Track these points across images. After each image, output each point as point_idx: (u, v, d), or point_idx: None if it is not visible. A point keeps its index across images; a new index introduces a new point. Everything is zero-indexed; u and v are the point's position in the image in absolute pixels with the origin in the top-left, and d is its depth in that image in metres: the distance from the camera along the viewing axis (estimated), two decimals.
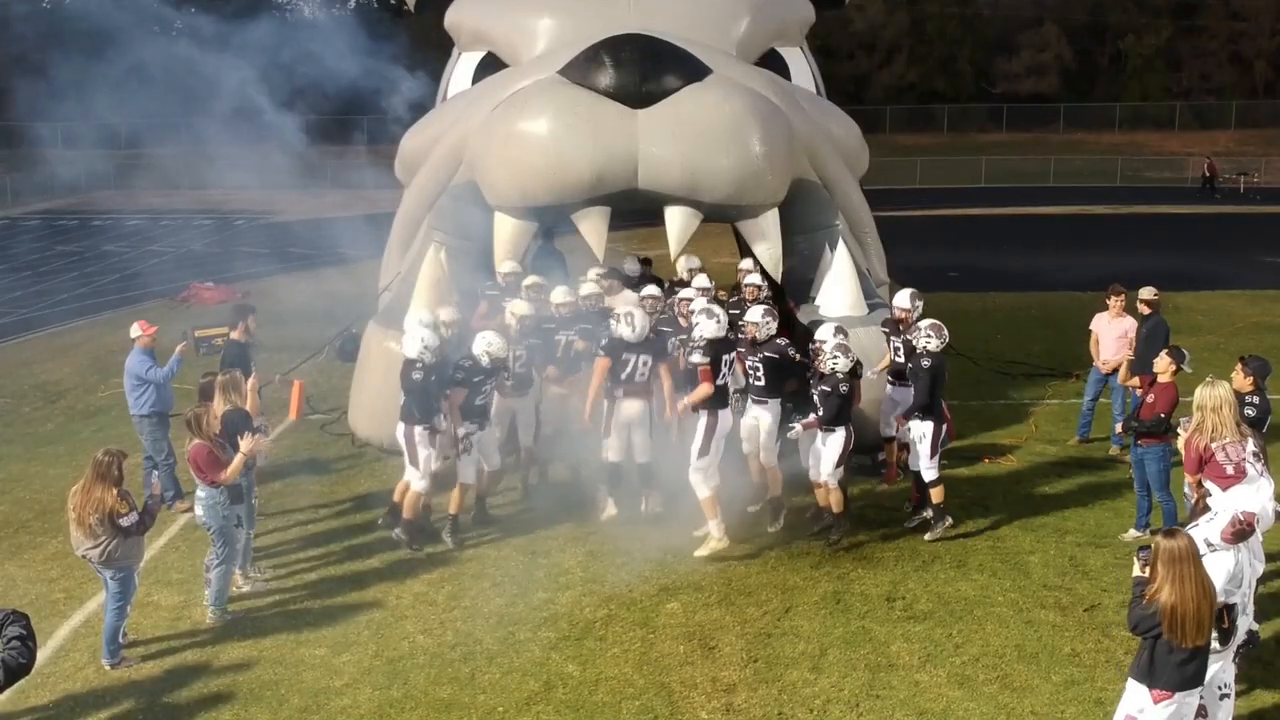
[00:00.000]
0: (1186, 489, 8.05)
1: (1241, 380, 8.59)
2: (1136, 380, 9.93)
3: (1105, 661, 7.44)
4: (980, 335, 17.29)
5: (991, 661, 7.47)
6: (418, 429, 9.26)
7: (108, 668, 7.55)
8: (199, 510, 8.29)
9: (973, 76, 67.52)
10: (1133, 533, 9.58)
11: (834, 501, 9.40)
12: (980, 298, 21.67)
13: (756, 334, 9.56)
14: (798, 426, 9.40)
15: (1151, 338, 11.42)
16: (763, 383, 9.59)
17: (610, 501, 9.87)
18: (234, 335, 10.90)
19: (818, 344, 9.61)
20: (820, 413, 9.22)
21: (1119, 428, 10.34)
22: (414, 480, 9.34)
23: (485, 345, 9.39)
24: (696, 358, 9.12)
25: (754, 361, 9.61)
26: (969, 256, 27.60)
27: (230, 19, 22.61)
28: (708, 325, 9.17)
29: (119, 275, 26.20)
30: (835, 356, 9.18)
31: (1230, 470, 7.26)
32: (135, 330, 10.60)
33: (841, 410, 9.22)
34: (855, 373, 9.47)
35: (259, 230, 34.26)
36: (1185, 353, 9.42)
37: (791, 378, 9.79)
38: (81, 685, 7.37)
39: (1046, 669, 7.36)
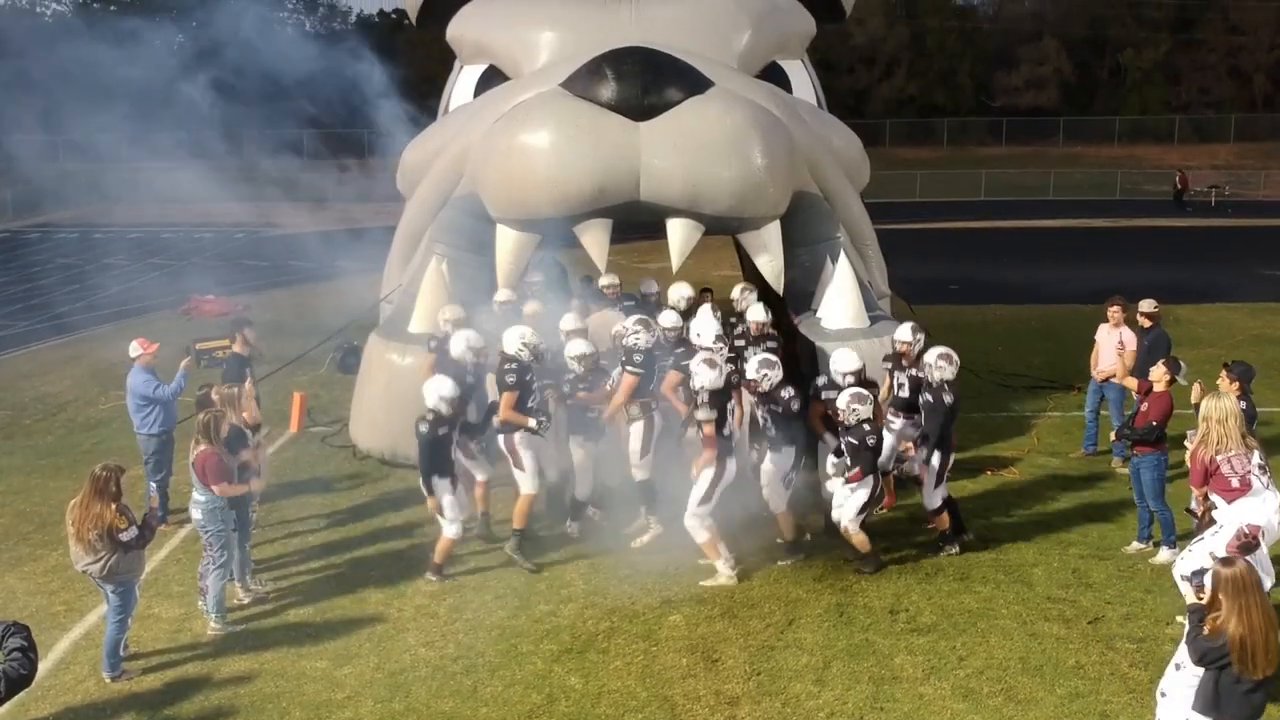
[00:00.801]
0: (1194, 504, 8.04)
1: (1227, 385, 8.68)
2: (1134, 382, 9.93)
3: (1110, 674, 7.40)
4: (981, 348, 17.26)
5: (995, 674, 7.43)
6: (435, 479, 8.88)
7: (108, 680, 7.52)
8: (198, 514, 8.27)
9: (972, 90, 67.67)
10: (1135, 545, 9.55)
11: (857, 543, 9.11)
12: (980, 310, 21.67)
13: (758, 388, 9.19)
14: (834, 482, 9.19)
15: (1153, 350, 11.42)
16: (773, 432, 9.22)
17: (652, 520, 9.61)
18: (235, 348, 10.89)
19: (835, 406, 9.16)
20: (849, 463, 8.99)
21: (1113, 435, 10.33)
22: (446, 528, 8.99)
23: (520, 339, 9.20)
24: (703, 415, 8.71)
25: (762, 413, 9.26)
26: (969, 269, 27.60)
27: (224, 35, 22.72)
28: (707, 375, 8.72)
29: (119, 288, 26.18)
30: (853, 409, 8.87)
31: (1235, 483, 7.28)
32: (135, 349, 10.35)
33: (870, 461, 8.94)
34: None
35: (259, 244, 34.31)
36: (1182, 364, 9.43)
37: (800, 424, 9.43)
38: (82, 698, 7.34)
39: (1051, 681, 7.32)
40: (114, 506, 7.29)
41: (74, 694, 7.40)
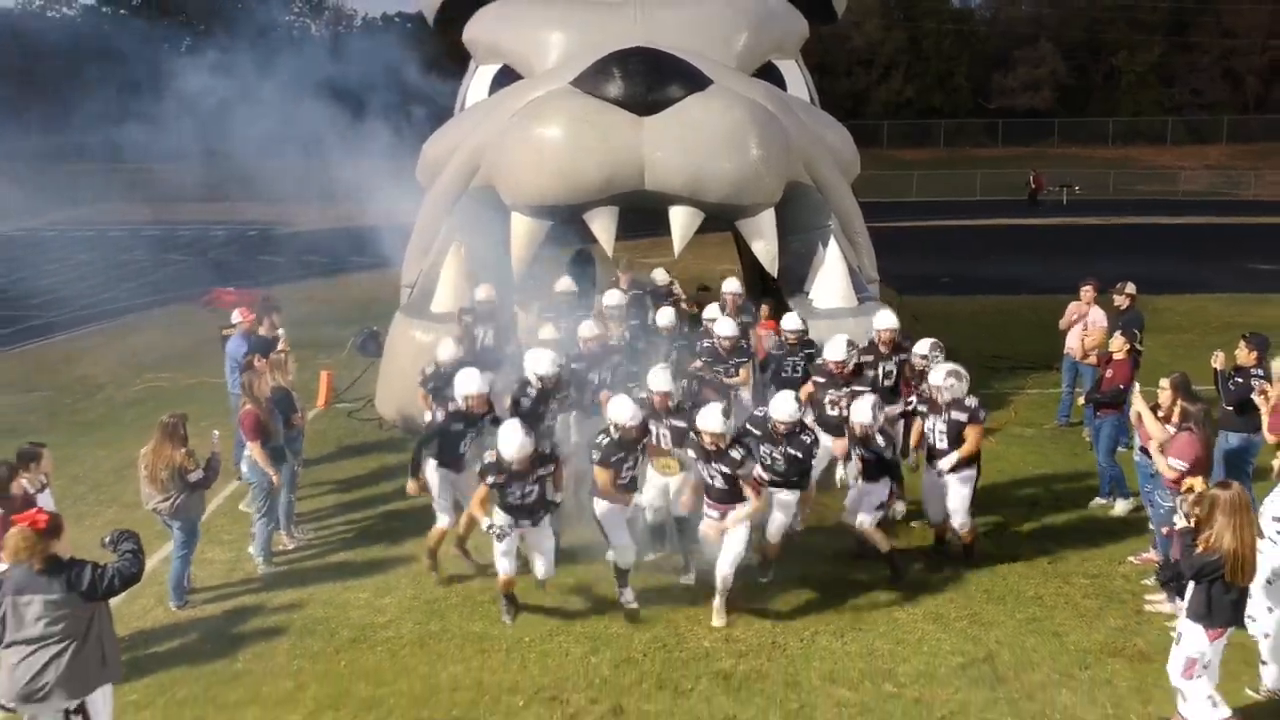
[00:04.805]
0: (1137, 456, 8.95)
1: (1246, 355, 9.44)
2: (1093, 359, 10.82)
3: (1064, 603, 8.35)
4: (969, 335, 18.19)
5: (963, 602, 8.37)
6: (432, 463, 8.76)
7: (174, 609, 8.46)
8: (244, 467, 9.26)
9: (969, 92, 68.56)
10: (1097, 500, 10.48)
11: (878, 541, 8.90)
12: (970, 301, 22.56)
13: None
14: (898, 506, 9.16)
15: (1127, 329, 12.27)
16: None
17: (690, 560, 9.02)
18: (261, 330, 11.75)
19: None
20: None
21: (1083, 399, 11.13)
22: (440, 518, 8.90)
23: (622, 415, 8.12)
24: (746, 470, 8.00)
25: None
26: (961, 264, 28.42)
27: (235, 38, 23.39)
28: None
29: (139, 282, 27.09)
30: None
31: None
32: (235, 317, 11.70)
33: (884, 468, 8.76)
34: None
35: (271, 240, 35.30)
36: (1137, 331, 10.34)
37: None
38: (152, 623, 8.30)
39: (1012, 608, 8.26)
40: (183, 450, 8.25)
41: (145, 620, 8.34)
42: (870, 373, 10.38)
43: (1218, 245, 32.62)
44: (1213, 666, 6.33)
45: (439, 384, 9.78)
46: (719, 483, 7.99)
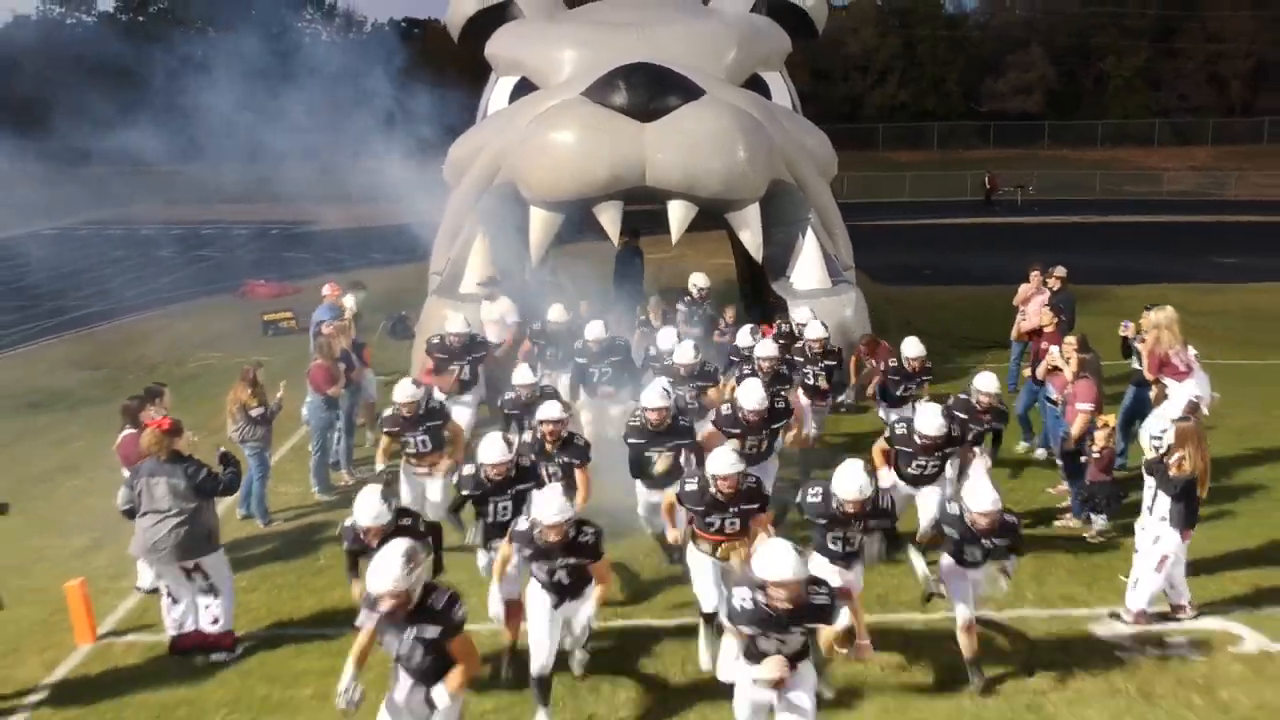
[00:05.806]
0: (1053, 393, 10.83)
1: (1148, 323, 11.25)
2: (1026, 336, 12.70)
3: None
4: (943, 318, 20.07)
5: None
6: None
7: (262, 526, 10.37)
8: (305, 411, 11.17)
9: (962, 96, 70.23)
10: (1023, 444, 12.38)
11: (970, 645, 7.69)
12: (950, 290, 24.29)
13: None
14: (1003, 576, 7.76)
15: (1055, 306, 14.09)
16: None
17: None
18: (338, 301, 13.38)
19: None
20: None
21: (1027, 371, 12.93)
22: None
23: (548, 513, 6.59)
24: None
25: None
26: (945, 259, 30.01)
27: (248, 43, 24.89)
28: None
29: (176, 275, 28.92)
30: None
31: (1183, 368, 10.11)
32: (326, 290, 13.45)
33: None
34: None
35: (294, 238, 37.19)
36: (1063, 307, 12.19)
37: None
38: (247, 534, 10.23)
39: None
40: (249, 391, 10.18)
41: (240, 533, 10.26)
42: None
43: (1194, 241, 34.12)
44: (1181, 561, 8.22)
45: (390, 428, 9.61)
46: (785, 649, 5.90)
